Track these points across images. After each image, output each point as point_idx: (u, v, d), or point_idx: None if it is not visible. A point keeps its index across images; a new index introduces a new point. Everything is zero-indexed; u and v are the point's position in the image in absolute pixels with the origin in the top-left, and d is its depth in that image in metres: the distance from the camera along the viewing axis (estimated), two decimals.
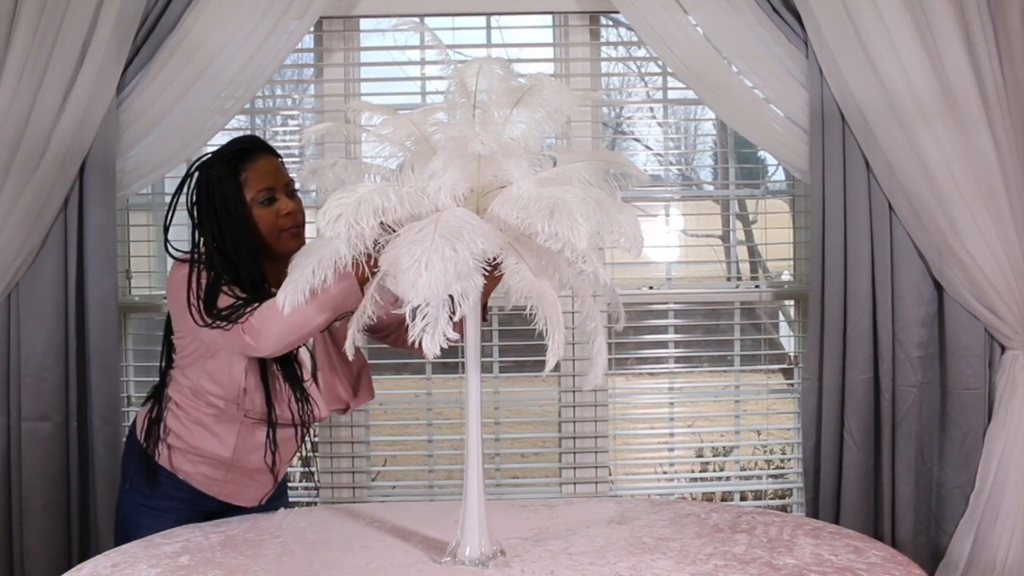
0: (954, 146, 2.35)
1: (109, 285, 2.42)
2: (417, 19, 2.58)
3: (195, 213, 1.82)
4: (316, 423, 1.91)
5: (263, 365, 1.78)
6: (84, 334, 2.43)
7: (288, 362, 1.80)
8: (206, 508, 1.88)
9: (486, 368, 2.73)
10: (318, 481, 2.70)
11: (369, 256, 1.39)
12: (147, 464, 1.86)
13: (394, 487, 3.01)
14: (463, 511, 1.51)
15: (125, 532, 1.86)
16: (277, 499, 1.99)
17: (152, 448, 1.85)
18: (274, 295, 1.56)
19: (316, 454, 2.01)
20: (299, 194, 1.90)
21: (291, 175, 1.88)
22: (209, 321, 1.70)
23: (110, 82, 2.37)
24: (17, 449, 2.39)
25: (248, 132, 2.85)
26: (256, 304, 1.68)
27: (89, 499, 2.44)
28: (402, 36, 2.76)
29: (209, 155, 1.85)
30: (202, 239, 1.82)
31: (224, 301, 1.71)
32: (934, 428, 2.49)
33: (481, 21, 2.73)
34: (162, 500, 1.86)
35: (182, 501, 1.86)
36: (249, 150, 1.83)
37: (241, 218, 1.78)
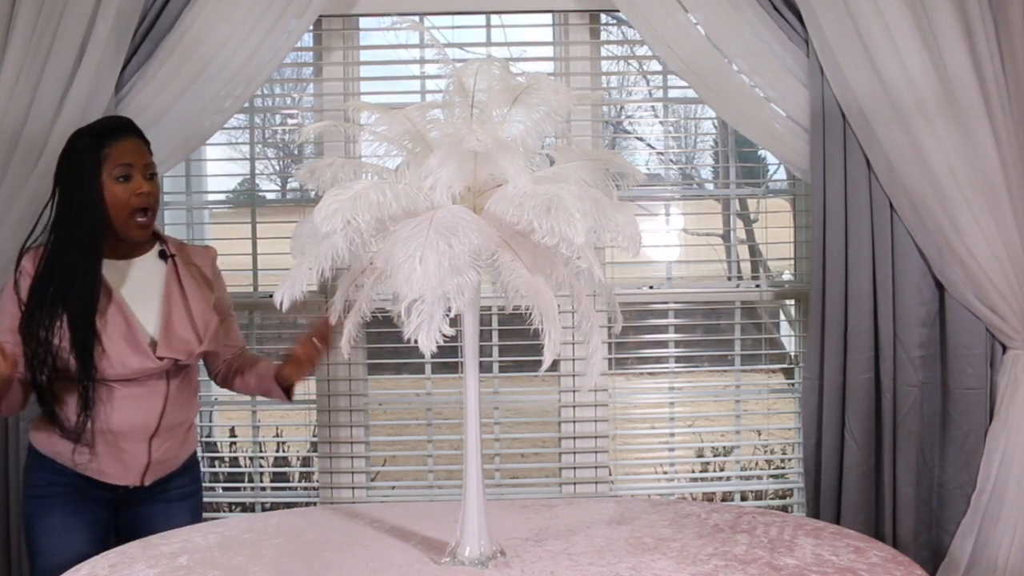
0: (955, 144, 2.34)
1: None
2: (416, 18, 2.59)
3: (55, 180, 1.90)
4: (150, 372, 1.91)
5: (81, 323, 1.81)
6: None
7: (77, 317, 1.82)
8: (99, 496, 1.91)
9: (486, 368, 2.73)
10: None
11: None
12: (29, 451, 1.94)
13: (394, 487, 3.01)
14: (463, 511, 1.51)
15: (26, 530, 1.91)
16: (184, 477, 2.02)
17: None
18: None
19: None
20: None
21: (152, 159, 1.94)
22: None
23: (109, 80, 2.36)
24: (16, 449, 2.39)
25: (245, 130, 2.85)
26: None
27: None
28: (402, 35, 2.76)
29: (82, 127, 1.93)
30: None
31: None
32: (935, 428, 2.48)
33: (481, 20, 2.73)
34: (47, 487, 1.89)
35: (67, 487, 1.89)
36: (117, 129, 1.91)
37: (93, 191, 1.85)
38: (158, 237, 2.01)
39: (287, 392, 2.04)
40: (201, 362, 2.14)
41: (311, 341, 1.96)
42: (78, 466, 1.88)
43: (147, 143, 1.95)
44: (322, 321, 1.91)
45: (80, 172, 1.85)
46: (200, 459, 2.21)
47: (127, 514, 1.98)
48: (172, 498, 2.00)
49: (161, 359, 1.88)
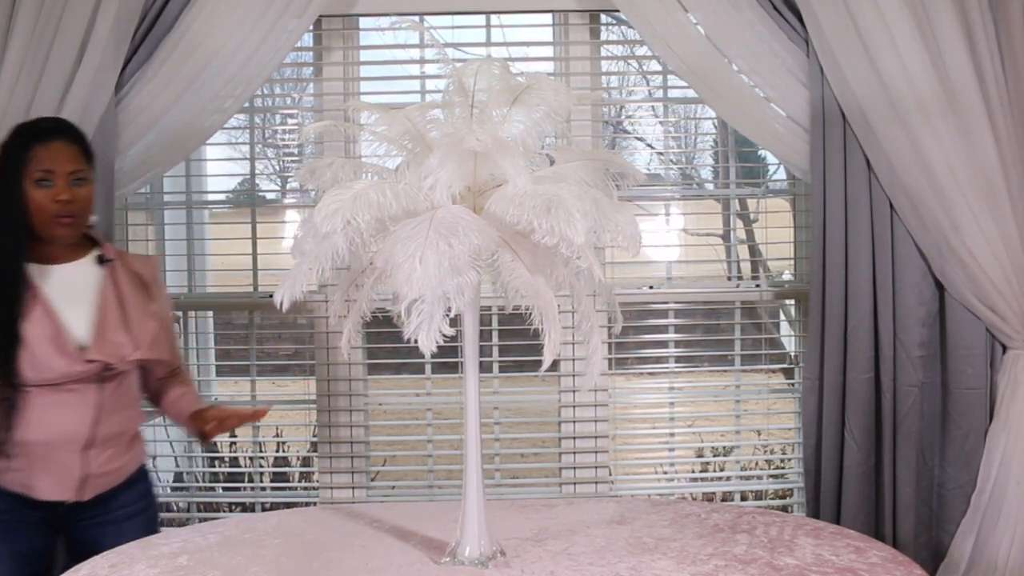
0: (955, 144, 2.34)
1: None
2: (416, 18, 2.59)
3: None
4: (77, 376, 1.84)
5: (2, 326, 1.77)
6: None
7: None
8: (34, 519, 1.83)
9: (486, 368, 2.73)
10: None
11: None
12: None
13: (394, 487, 3.01)
14: (463, 511, 1.50)
15: None
16: (131, 492, 1.94)
17: None
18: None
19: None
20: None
21: (84, 166, 1.87)
22: None
23: (108, 80, 2.36)
24: None
25: (245, 130, 2.85)
26: None
27: None
28: (401, 35, 2.76)
29: (22, 123, 1.89)
30: None
31: None
32: (935, 428, 2.48)
33: (481, 20, 2.73)
34: None
35: (4, 513, 1.82)
36: (49, 132, 1.85)
37: (14, 193, 1.80)
38: (96, 243, 1.94)
39: (203, 436, 1.96)
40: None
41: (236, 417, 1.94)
42: (5, 481, 1.80)
43: (83, 148, 1.88)
44: (254, 412, 1.92)
45: (5, 172, 1.81)
46: (152, 470, 2.10)
47: (74, 539, 1.89)
48: (119, 517, 1.91)
49: (91, 362, 1.81)
